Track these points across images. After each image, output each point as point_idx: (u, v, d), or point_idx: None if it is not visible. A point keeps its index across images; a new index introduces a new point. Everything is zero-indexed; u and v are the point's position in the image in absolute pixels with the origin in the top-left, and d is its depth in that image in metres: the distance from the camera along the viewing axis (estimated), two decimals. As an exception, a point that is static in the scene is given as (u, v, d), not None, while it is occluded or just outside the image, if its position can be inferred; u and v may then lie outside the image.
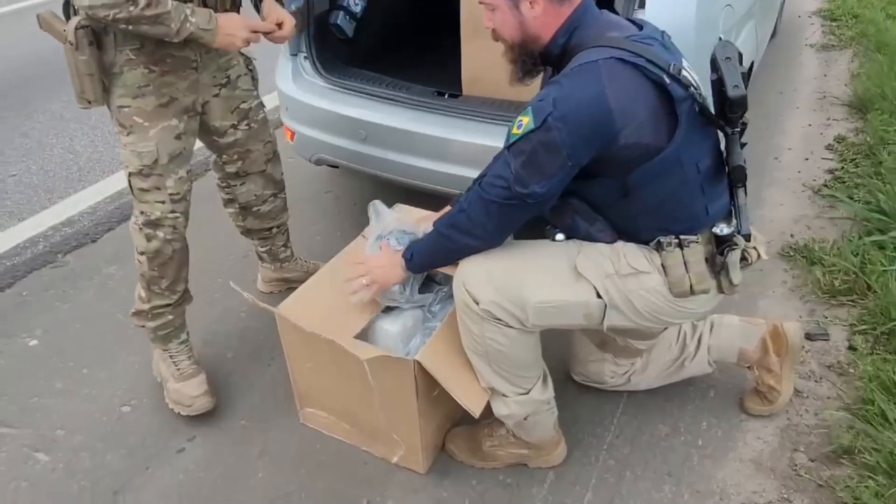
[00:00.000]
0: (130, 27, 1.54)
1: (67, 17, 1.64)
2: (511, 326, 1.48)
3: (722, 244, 1.44)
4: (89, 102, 1.69)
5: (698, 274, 1.43)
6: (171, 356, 1.98)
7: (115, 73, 1.68)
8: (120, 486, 1.79)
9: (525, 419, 1.62)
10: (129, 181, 1.78)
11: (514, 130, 1.37)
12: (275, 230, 2.28)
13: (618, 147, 1.34)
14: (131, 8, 1.50)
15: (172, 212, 1.81)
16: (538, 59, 1.48)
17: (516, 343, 1.51)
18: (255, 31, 1.73)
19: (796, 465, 1.76)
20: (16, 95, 4.26)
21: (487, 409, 1.63)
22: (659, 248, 1.45)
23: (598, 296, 1.45)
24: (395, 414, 1.70)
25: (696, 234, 1.45)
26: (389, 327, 1.78)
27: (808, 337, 2.12)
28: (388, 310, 1.82)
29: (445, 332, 1.67)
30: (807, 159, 3.28)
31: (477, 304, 1.47)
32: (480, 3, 1.47)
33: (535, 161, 1.35)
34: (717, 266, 1.45)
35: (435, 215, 1.95)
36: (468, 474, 1.78)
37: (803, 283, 2.42)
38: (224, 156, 2.03)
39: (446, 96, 2.33)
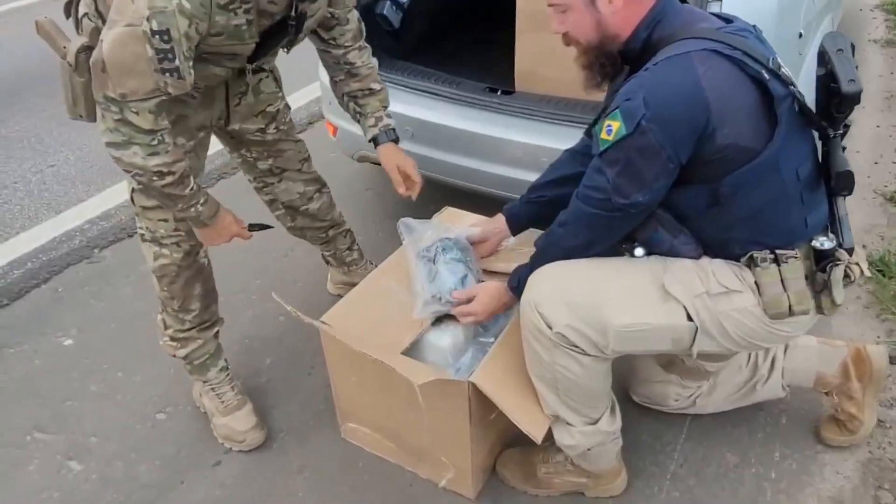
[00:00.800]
0: (143, 188, 1.48)
1: (68, 16, 1.53)
2: (587, 354, 1.35)
3: (823, 259, 1.29)
4: (81, 117, 1.57)
5: (798, 293, 1.29)
6: (212, 388, 1.88)
7: None
8: (153, 500, 1.71)
9: (589, 450, 1.49)
10: (132, 196, 1.66)
11: (605, 137, 1.23)
12: (331, 232, 2.17)
13: (714, 148, 1.20)
14: (155, 179, 1.42)
15: (176, 230, 1.68)
16: (617, 59, 1.34)
17: (590, 372, 1.38)
18: None
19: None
20: (54, 84, 4.22)
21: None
22: (751, 264, 1.31)
23: (689, 318, 1.32)
24: (445, 436, 1.59)
25: (793, 249, 1.30)
26: (439, 342, 1.67)
27: (892, 361, 1.95)
28: (436, 322, 1.71)
29: (502, 349, 1.55)
30: (876, 163, 3.08)
31: (550, 328, 1.34)
32: (550, 5, 1.34)
33: (633, 169, 1.23)
34: (818, 284, 1.30)
35: (484, 220, 1.83)
36: (521, 501, 1.67)
37: (879, 299, 2.24)
38: (254, 152, 1.91)
39: (499, 93, 2.19)
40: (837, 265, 1.29)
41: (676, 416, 1.82)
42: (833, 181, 1.32)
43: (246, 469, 1.79)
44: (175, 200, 1.49)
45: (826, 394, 1.75)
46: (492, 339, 1.70)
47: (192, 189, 1.49)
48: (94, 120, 1.58)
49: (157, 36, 1.26)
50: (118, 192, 3.03)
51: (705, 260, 1.35)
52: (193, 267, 1.76)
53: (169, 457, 1.83)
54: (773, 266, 1.29)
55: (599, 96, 2.05)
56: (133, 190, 1.66)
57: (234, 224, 1.63)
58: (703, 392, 1.76)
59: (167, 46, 1.27)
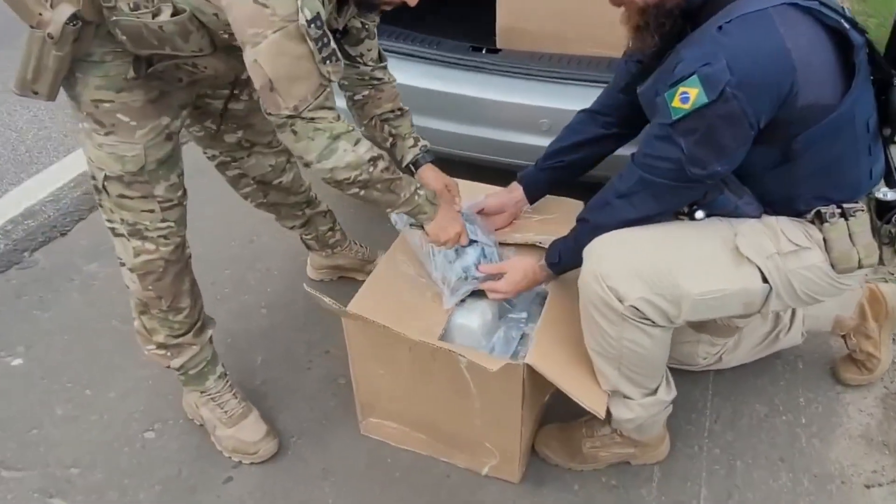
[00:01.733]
0: (363, 192, 1.37)
1: None
2: (656, 325, 1.28)
3: (887, 211, 1.27)
4: (35, 94, 1.32)
5: (866, 247, 1.26)
6: (211, 398, 1.68)
7: (93, 62, 1.32)
8: (164, 531, 1.52)
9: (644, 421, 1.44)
10: (104, 186, 1.42)
11: (679, 105, 1.14)
12: (308, 210, 1.98)
13: (794, 110, 1.14)
14: (371, 168, 1.33)
15: (164, 220, 1.48)
16: (678, 16, 1.22)
17: (658, 343, 1.32)
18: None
19: (906, 436, 1.67)
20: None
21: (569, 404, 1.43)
22: (818, 219, 1.27)
23: (764, 280, 1.27)
24: (493, 421, 1.49)
25: (857, 202, 1.28)
26: (468, 322, 1.55)
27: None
28: (460, 302, 1.59)
29: (547, 326, 1.46)
30: None
31: (621, 302, 1.26)
32: None
33: (714, 138, 1.15)
34: (884, 237, 1.28)
35: (499, 190, 1.71)
36: (567, 479, 1.60)
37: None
38: (220, 124, 1.69)
39: (484, 52, 2.05)
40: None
41: (700, 374, 1.81)
42: (893, 130, 1.29)
43: (262, 482, 1.62)
44: (398, 189, 1.41)
45: (843, 336, 1.78)
46: (523, 315, 1.61)
47: (400, 174, 1.41)
48: (53, 99, 1.35)
49: (312, 25, 1.15)
50: (39, 186, 2.67)
51: (771, 219, 1.30)
52: (182, 259, 1.56)
53: (170, 479, 1.63)
54: (841, 220, 1.26)
55: (592, 50, 2.01)
56: (106, 178, 1.42)
57: (456, 214, 1.56)
58: (728, 347, 1.75)
59: (321, 31, 1.17)
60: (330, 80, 1.24)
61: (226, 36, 1.28)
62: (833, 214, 1.27)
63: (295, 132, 1.26)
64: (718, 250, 1.27)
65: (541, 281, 1.53)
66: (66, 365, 1.92)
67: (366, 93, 1.64)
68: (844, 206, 1.27)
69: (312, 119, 1.25)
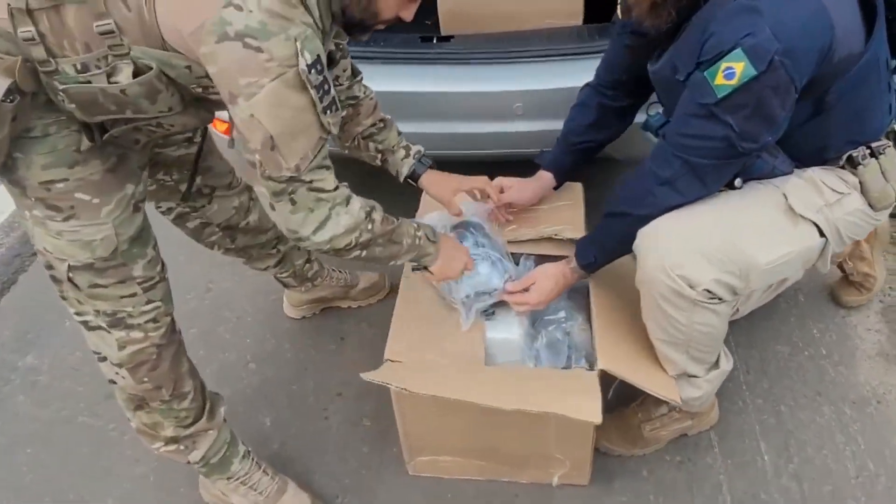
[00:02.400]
0: (365, 252, 1.24)
1: None
2: (723, 302, 1.25)
3: None
4: None
5: None
6: (241, 482, 1.49)
7: (34, 138, 1.09)
8: None
9: None
10: (69, 277, 1.19)
11: (724, 82, 1.08)
12: (282, 246, 1.79)
13: (831, 65, 1.12)
14: (369, 225, 1.21)
15: (149, 302, 1.27)
16: None
17: (723, 318, 1.30)
18: None
19: (917, 345, 1.77)
20: None
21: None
22: (850, 164, 1.28)
23: (820, 234, 1.26)
24: (568, 434, 1.42)
25: (881, 139, 1.29)
26: (509, 335, 1.48)
27: (892, 216, 2.10)
28: (489, 317, 1.51)
29: (601, 326, 1.41)
30: None
31: (693, 288, 1.21)
32: None
33: (765, 109, 1.11)
34: None
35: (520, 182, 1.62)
36: (633, 467, 1.57)
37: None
38: (175, 173, 1.49)
39: (434, 41, 1.91)
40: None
41: (717, 328, 1.83)
42: None
43: (323, 556, 1.47)
44: (399, 238, 1.28)
45: (839, 264, 1.86)
46: (560, 315, 1.54)
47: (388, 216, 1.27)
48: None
49: (313, 70, 0.99)
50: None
51: (807, 172, 1.30)
52: (175, 339, 1.35)
53: (218, 583, 1.44)
54: (873, 161, 1.28)
55: (548, 23, 1.92)
56: (71, 269, 1.19)
57: (460, 245, 1.46)
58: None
59: (321, 76, 1.01)
60: (329, 133, 1.08)
61: (199, 90, 1.09)
62: (864, 157, 1.28)
63: (294, 201, 1.10)
64: (774, 215, 1.26)
65: (571, 284, 1.47)
66: (43, 483, 1.64)
67: (344, 114, 1.48)
68: (872, 145, 1.28)
69: (311, 182, 1.10)
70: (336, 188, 1.15)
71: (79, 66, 1.00)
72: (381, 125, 1.54)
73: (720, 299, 1.25)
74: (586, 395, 1.28)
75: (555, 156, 1.60)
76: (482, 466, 1.55)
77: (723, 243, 1.22)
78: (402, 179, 1.55)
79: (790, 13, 1.06)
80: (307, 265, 1.90)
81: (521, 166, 1.72)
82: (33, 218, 1.16)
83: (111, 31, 0.98)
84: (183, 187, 1.51)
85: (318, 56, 1.00)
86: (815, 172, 1.29)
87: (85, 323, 1.26)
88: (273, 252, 1.79)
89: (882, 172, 1.28)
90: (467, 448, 1.52)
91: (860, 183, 1.29)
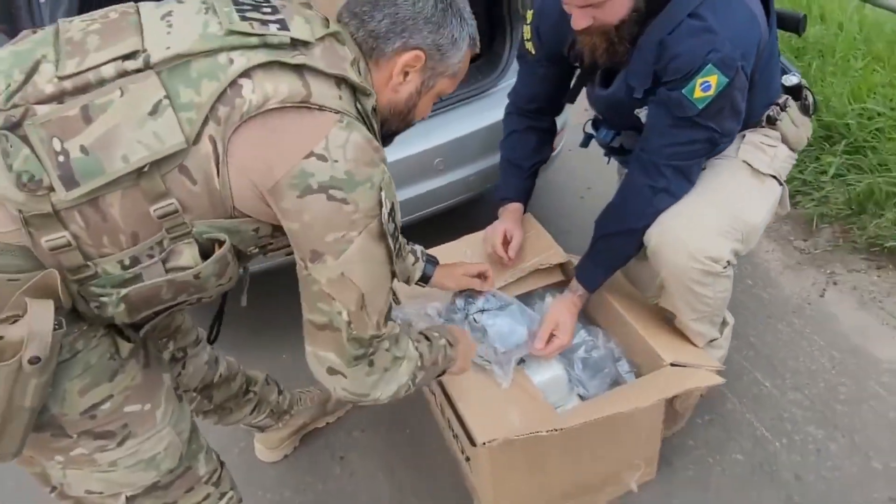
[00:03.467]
0: (415, 387, 1.14)
1: None
2: (733, 266, 1.42)
3: (795, 91, 1.55)
4: (13, 456, 0.90)
5: (804, 125, 1.55)
6: None
7: (61, 363, 0.90)
8: None
9: None
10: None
11: (700, 94, 1.25)
12: (254, 387, 1.61)
13: (761, 53, 1.33)
14: (420, 361, 1.13)
15: (222, 496, 1.15)
16: (635, 20, 1.29)
17: (732, 279, 1.45)
18: None
19: (800, 248, 2.15)
20: None
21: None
22: (769, 122, 1.52)
23: (780, 183, 1.48)
24: (638, 441, 1.50)
25: (781, 95, 1.54)
26: (555, 373, 1.52)
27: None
28: (527, 365, 1.52)
29: (632, 335, 1.50)
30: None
31: (717, 263, 1.36)
32: (588, 5, 1.24)
33: (735, 108, 1.31)
34: (809, 109, 1.57)
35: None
36: (679, 443, 1.68)
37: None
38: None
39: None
40: (807, 89, 1.59)
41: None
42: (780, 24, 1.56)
43: None
44: (437, 359, 1.20)
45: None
46: (584, 335, 1.59)
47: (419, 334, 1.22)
48: (20, 454, 0.90)
49: (391, 219, 0.93)
50: None
51: (746, 138, 1.50)
52: None
53: None
54: (784, 114, 1.53)
55: None
56: (130, 499, 1.01)
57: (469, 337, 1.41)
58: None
59: (394, 224, 0.95)
60: (393, 280, 1.02)
61: (256, 250, 0.99)
62: (778, 113, 1.53)
63: (372, 363, 1.02)
64: (747, 180, 1.45)
65: (580, 308, 1.53)
66: None
67: None
68: (779, 102, 1.54)
69: (387, 337, 1.03)
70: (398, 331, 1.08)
71: (126, 262, 0.85)
72: None
73: (732, 265, 1.41)
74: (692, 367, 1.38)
75: (516, 185, 1.66)
76: (565, 505, 1.55)
77: (725, 217, 1.38)
78: (412, 284, 1.50)
79: (735, 24, 1.25)
80: (281, 397, 1.72)
81: (446, 217, 1.74)
82: (73, 460, 0.96)
83: (174, 212, 0.83)
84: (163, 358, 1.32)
85: (394, 203, 0.95)
86: (751, 136, 1.51)
87: None
88: (250, 397, 1.62)
89: (792, 121, 1.54)
90: (552, 493, 1.50)
91: (781, 134, 1.54)
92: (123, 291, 0.86)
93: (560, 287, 1.63)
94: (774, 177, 1.48)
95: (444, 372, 1.29)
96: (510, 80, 1.77)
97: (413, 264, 1.47)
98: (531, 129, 1.64)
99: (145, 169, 0.80)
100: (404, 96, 1.03)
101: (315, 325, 0.96)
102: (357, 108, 0.94)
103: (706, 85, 1.24)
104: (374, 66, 0.98)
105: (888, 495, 1.53)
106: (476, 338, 1.46)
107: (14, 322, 0.77)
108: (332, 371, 0.99)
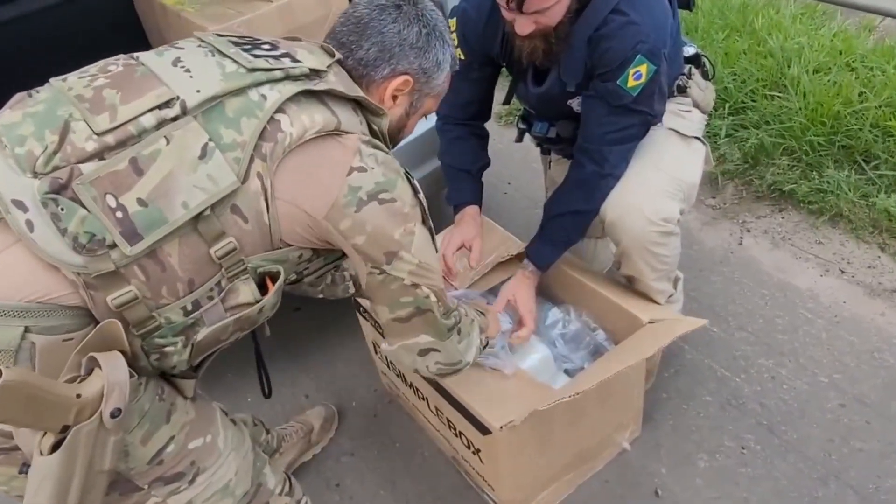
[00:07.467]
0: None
1: None
2: (680, 222, 1.55)
3: (695, 59, 1.71)
4: None
5: (709, 89, 1.71)
6: None
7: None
8: None
9: None
10: None
11: (633, 83, 1.37)
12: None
13: (671, 34, 1.48)
14: (480, 325, 1.25)
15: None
16: (567, 21, 1.39)
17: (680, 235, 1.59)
18: None
19: (712, 206, 2.36)
20: None
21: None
22: (680, 90, 1.67)
23: (702, 143, 1.64)
24: (626, 401, 1.61)
25: (683, 65, 1.71)
26: (541, 354, 1.59)
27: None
28: (516, 351, 1.58)
29: (606, 306, 1.60)
30: None
31: (670, 222, 1.49)
32: (534, 11, 1.31)
33: (661, 90, 1.45)
34: (709, 74, 1.75)
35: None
36: (656, 396, 1.80)
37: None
38: None
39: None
40: (705, 56, 1.76)
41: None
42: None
43: None
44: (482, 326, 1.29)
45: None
46: (556, 312, 1.67)
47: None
48: None
49: (419, 194, 1.02)
50: None
51: (666, 108, 1.65)
52: None
53: None
54: (691, 81, 1.69)
55: None
56: None
57: None
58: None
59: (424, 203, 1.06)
60: None
61: (294, 276, 1.03)
62: (685, 81, 1.69)
63: (460, 330, 1.12)
64: (678, 145, 1.59)
65: (535, 284, 1.60)
66: None
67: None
68: (684, 72, 1.70)
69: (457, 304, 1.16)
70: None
71: (189, 307, 0.85)
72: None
73: (679, 223, 1.55)
74: (670, 319, 1.50)
75: (470, 188, 1.70)
76: (570, 479, 1.63)
77: (669, 180, 1.51)
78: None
79: (653, 15, 1.39)
80: (267, 436, 1.69)
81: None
82: None
83: (232, 250, 0.84)
84: None
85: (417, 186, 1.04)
86: (669, 106, 1.65)
87: None
88: (241, 440, 1.57)
89: (698, 87, 1.71)
90: (557, 468, 1.58)
91: (692, 100, 1.70)
92: (196, 337, 0.85)
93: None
94: (698, 138, 1.64)
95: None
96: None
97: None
98: (472, 135, 1.71)
99: (206, 213, 0.80)
100: (395, 119, 1.09)
101: (401, 321, 1.02)
102: (371, 128, 1.01)
103: (637, 74, 1.38)
104: (366, 92, 1.03)
105: (838, 402, 1.73)
106: None
107: (82, 381, 0.74)
108: (423, 352, 1.06)
